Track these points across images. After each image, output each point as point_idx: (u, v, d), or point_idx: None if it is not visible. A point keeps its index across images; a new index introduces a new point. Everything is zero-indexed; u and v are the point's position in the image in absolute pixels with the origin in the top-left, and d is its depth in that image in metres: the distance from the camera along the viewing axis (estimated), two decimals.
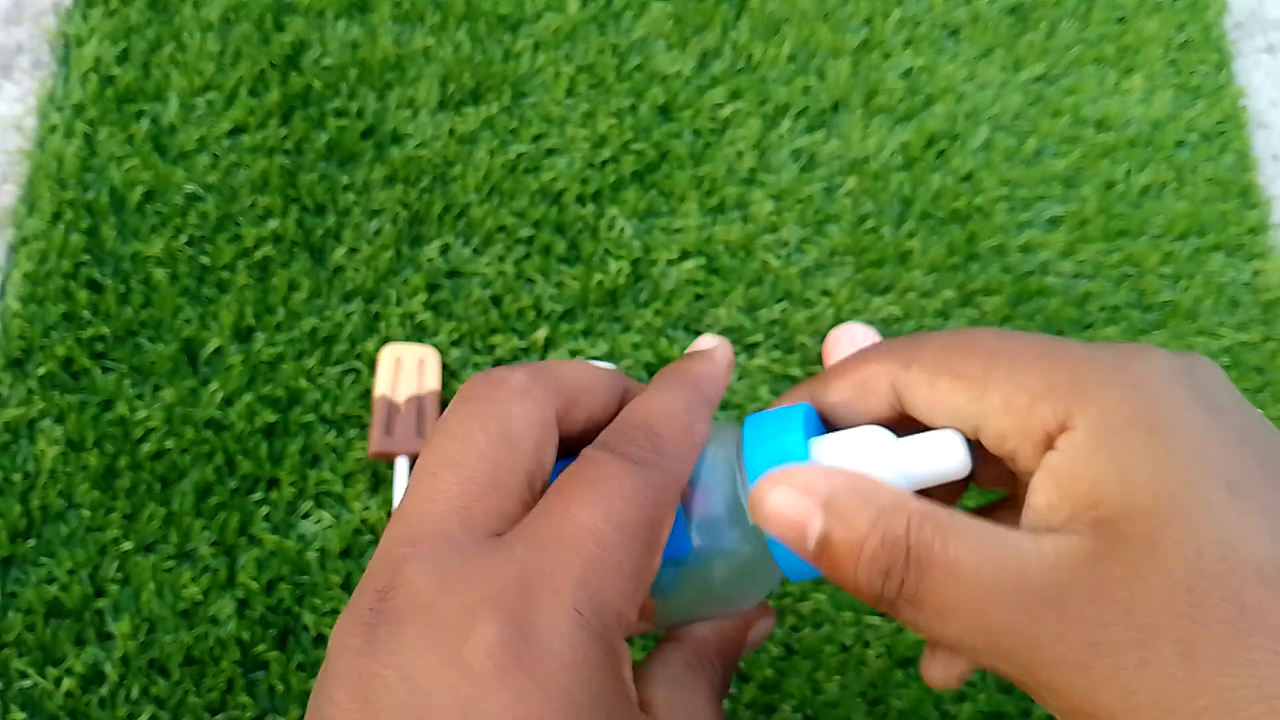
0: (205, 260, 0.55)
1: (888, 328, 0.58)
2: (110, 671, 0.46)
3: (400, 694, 0.20)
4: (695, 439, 0.25)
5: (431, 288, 0.56)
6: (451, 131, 0.60)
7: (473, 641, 0.20)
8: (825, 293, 0.58)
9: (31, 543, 0.49)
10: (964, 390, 0.23)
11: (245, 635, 0.47)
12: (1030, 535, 0.21)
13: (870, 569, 0.22)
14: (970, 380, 0.23)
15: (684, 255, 0.59)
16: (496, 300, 0.56)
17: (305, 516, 0.50)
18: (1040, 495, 0.22)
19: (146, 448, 0.51)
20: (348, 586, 0.49)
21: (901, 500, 0.22)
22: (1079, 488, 0.21)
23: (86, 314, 0.53)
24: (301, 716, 0.46)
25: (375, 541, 0.50)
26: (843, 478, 0.23)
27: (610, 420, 0.26)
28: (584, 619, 0.21)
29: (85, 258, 0.55)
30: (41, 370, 0.52)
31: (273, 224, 0.56)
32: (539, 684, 0.20)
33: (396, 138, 0.60)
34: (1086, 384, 0.22)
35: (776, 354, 0.56)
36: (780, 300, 0.58)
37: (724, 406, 0.55)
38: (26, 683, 0.46)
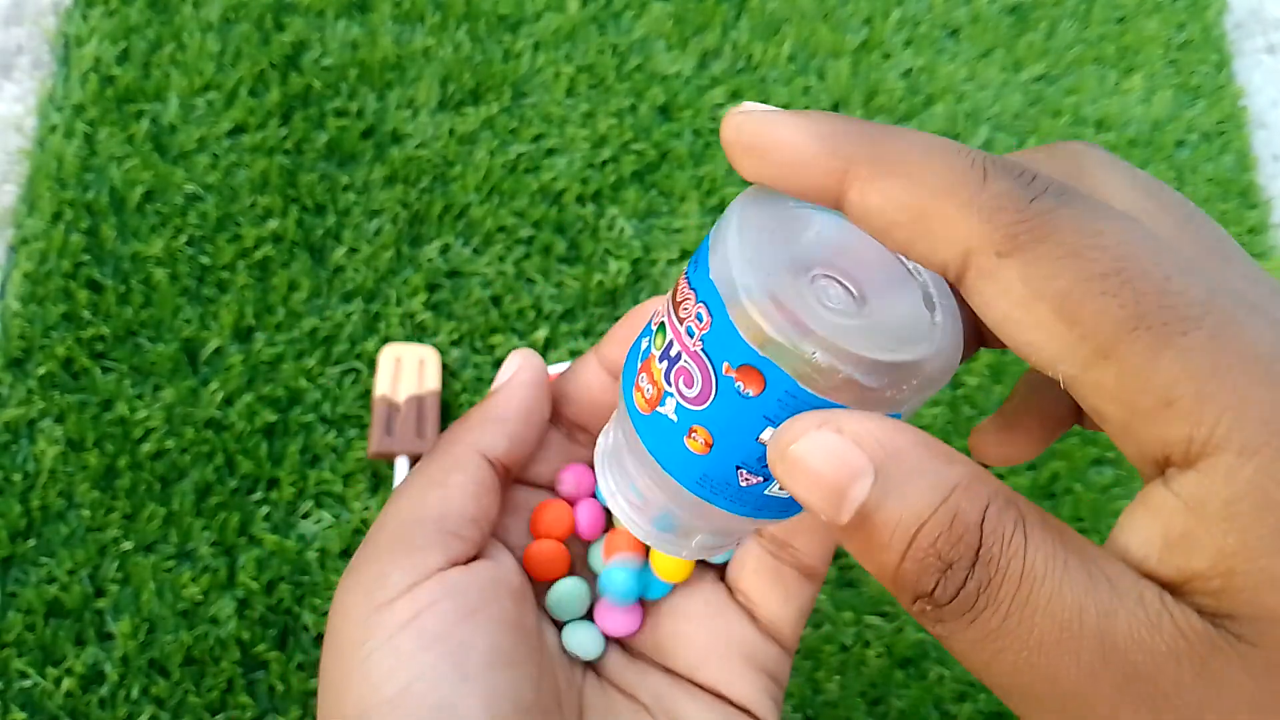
0: (205, 260, 0.55)
1: None
2: (110, 671, 0.46)
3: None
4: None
5: (431, 288, 0.56)
6: (451, 131, 0.60)
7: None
8: None
9: (31, 543, 0.49)
10: (1074, 346, 0.15)
11: (245, 635, 0.47)
12: (1126, 572, 0.16)
13: (923, 562, 0.16)
14: (1089, 335, 0.15)
15: (684, 255, 0.59)
16: (496, 300, 0.56)
17: (305, 516, 0.50)
18: (1147, 528, 0.16)
19: (146, 448, 0.51)
20: None
21: (982, 476, 0.16)
22: (1211, 542, 0.15)
23: (86, 314, 0.53)
24: (301, 716, 0.46)
25: None
26: (909, 435, 0.17)
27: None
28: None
29: (85, 258, 0.55)
30: (41, 370, 0.52)
31: (273, 224, 0.56)
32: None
33: (396, 138, 0.60)
34: (1253, 388, 0.14)
35: None
36: None
37: None
38: (26, 683, 0.46)
